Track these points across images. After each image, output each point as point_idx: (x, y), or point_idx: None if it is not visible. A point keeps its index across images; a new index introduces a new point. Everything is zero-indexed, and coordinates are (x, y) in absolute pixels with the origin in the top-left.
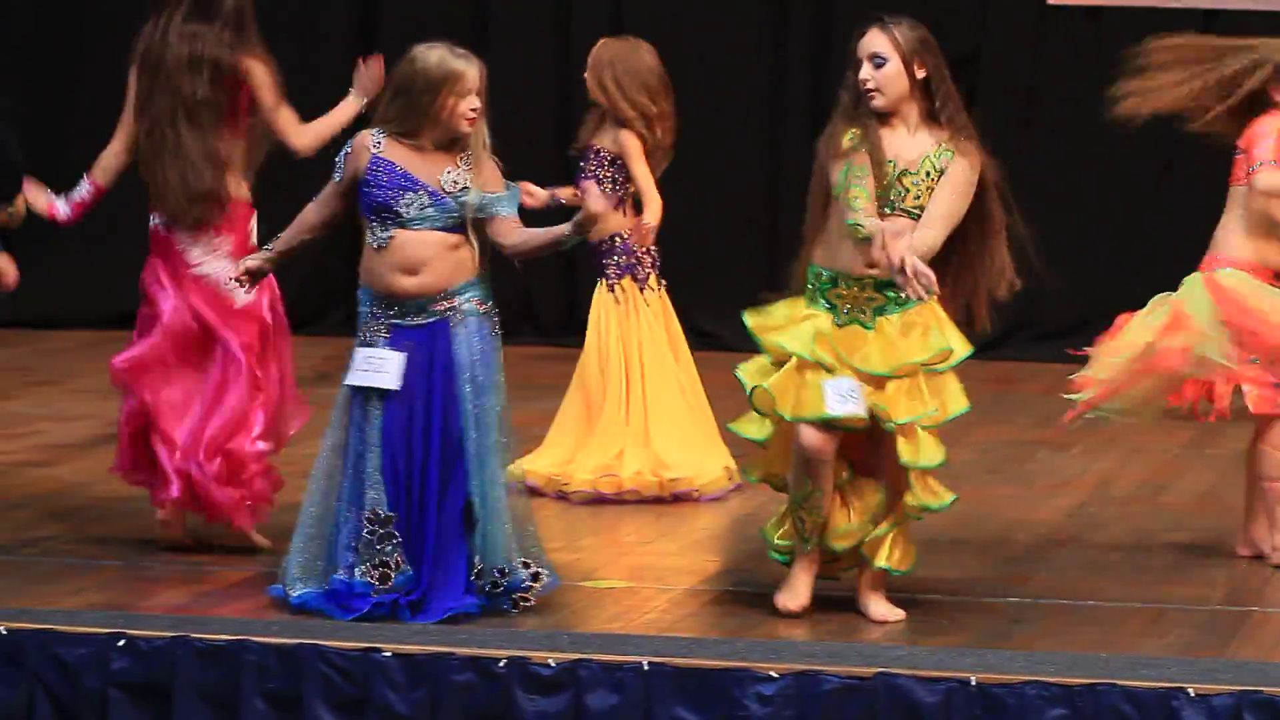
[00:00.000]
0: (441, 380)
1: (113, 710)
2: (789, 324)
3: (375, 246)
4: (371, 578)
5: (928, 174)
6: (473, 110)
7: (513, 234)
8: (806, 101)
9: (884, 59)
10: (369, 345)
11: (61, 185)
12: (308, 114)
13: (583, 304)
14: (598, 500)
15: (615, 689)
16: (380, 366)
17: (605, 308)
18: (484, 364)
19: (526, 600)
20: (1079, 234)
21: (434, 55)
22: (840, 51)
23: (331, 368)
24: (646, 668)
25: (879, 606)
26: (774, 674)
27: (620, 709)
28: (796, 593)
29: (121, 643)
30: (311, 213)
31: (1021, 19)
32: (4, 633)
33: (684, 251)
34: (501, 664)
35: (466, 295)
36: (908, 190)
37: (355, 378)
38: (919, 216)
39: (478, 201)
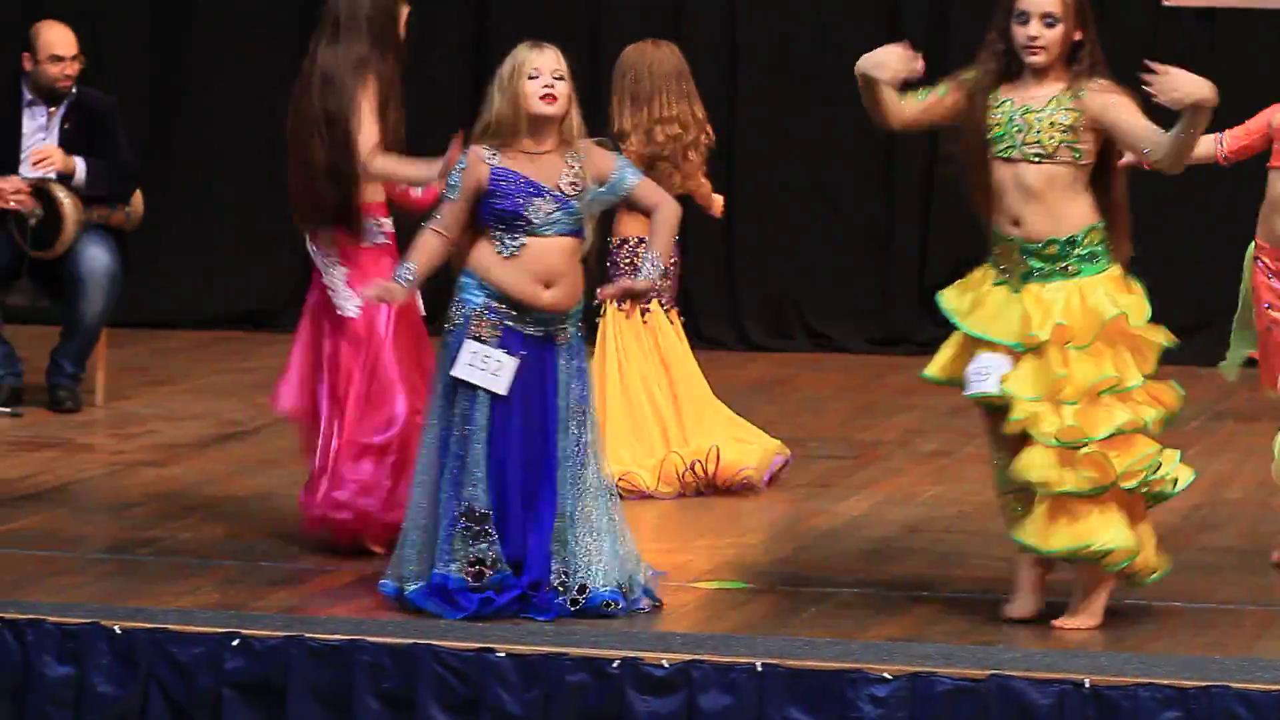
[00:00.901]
0: (547, 394)
1: (226, 709)
2: (972, 305)
3: (505, 255)
4: (467, 575)
5: (1051, 111)
6: (546, 88)
7: (654, 193)
8: None
9: (1055, 19)
10: (479, 340)
11: (173, 183)
12: (418, 118)
13: (699, 307)
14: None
15: (728, 690)
16: (493, 368)
17: (618, 323)
18: (580, 381)
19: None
20: (1194, 235)
21: (513, 50)
22: (956, 45)
23: None
24: (760, 668)
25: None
26: (887, 675)
27: (733, 710)
28: (1021, 600)
29: (236, 642)
30: (435, 240)
31: (1136, 21)
32: (119, 632)
33: (795, 254)
34: (615, 664)
35: (575, 318)
36: (1030, 127)
37: (464, 371)
38: (1037, 159)
39: (599, 196)
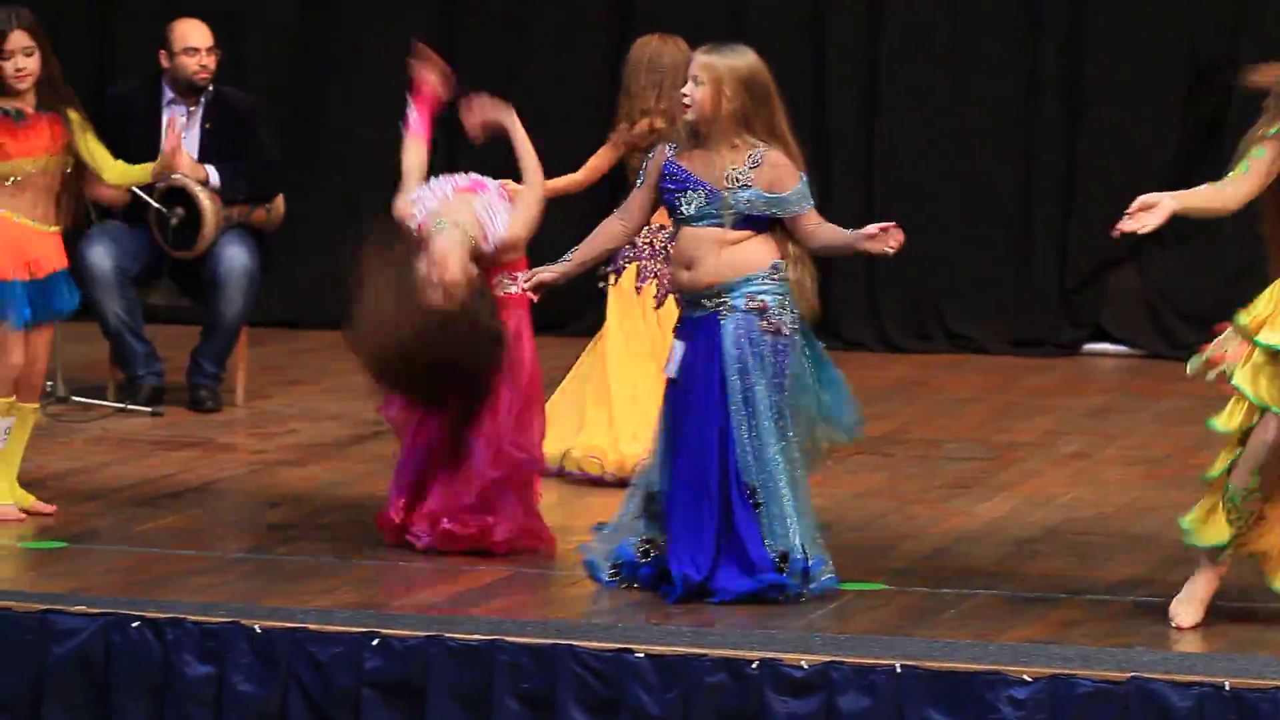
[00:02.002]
0: (714, 372)
1: (366, 709)
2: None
3: (672, 242)
4: (637, 550)
5: None
6: (682, 97)
7: (812, 234)
8: (1059, 103)
9: None
10: (676, 336)
11: (314, 183)
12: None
13: (840, 309)
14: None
15: (867, 691)
16: (672, 356)
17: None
18: (755, 356)
19: (800, 593)
20: None
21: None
22: (1095, 47)
23: None
24: (899, 670)
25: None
26: (1027, 678)
27: (872, 711)
28: (1191, 608)
29: (375, 642)
30: (615, 223)
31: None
32: (259, 632)
33: (935, 255)
34: (754, 665)
35: (739, 291)
36: None
37: (666, 369)
38: None
39: (760, 200)
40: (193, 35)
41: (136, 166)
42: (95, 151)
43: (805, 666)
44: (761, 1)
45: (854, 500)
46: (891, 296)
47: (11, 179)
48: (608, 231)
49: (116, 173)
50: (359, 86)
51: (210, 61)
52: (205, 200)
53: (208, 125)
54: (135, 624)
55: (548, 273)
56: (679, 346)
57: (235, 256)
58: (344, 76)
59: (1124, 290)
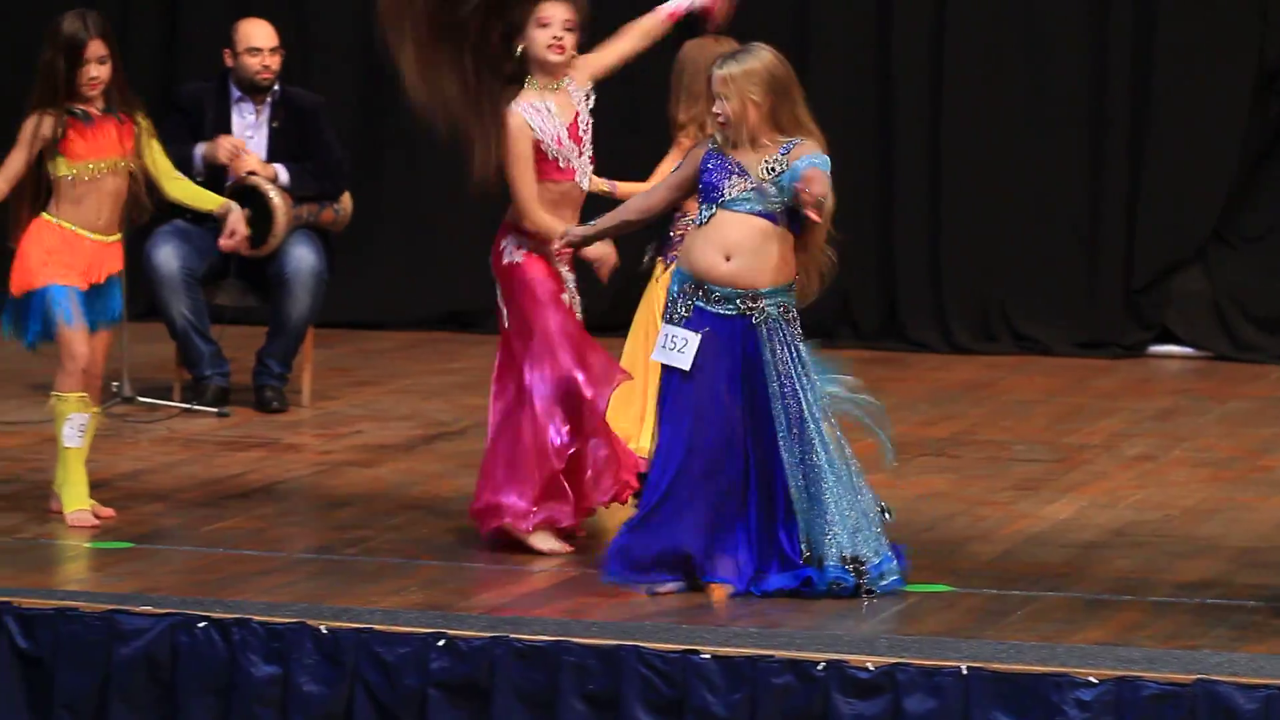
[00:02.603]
0: (748, 377)
1: (431, 709)
2: None
3: (698, 224)
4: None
5: None
6: (715, 110)
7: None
8: (1126, 104)
9: None
10: (671, 323)
11: (381, 184)
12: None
13: (906, 311)
14: None
15: (933, 693)
16: (679, 346)
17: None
18: (796, 363)
19: (870, 593)
20: None
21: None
22: (1162, 48)
23: None
24: (965, 672)
25: None
26: (1093, 679)
27: (938, 713)
28: None
29: (441, 642)
30: (639, 199)
31: None
32: (325, 632)
33: (1000, 256)
34: (820, 667)
35: (774, 300)
36: None
37: (657, 354)
38: None
39: (780, 179)
40: (256, 35)
41: (198, 190)
42: (159, 162)
43: (871, 668)
44: (825, 1)
45: (920, 502)
46: (958, 298)
47: (76, 181)
48: (632, 206)
49: (177, 188)
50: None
51: (273, 62)
52: (276, 199)
53: (275, 124)
54: (201, 624)
55: (578, 231)
56: (691, 338)
57: (302, 257)
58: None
59: (1190, 292)
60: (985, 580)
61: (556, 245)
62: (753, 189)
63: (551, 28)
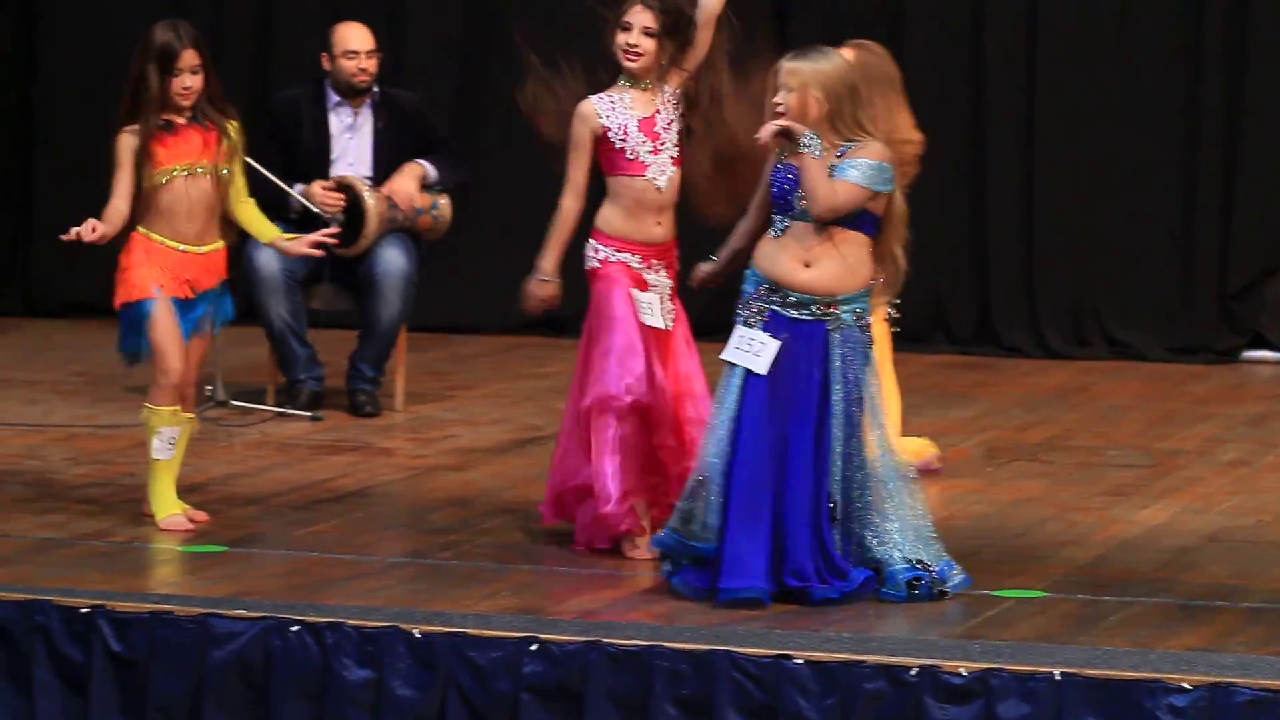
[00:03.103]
0: (814, 381)
1: (524, 713)
2: None
3: (773, 235)
4: (677, 529)
5: None
6: (775, 104)
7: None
8: (1221, 108)
9: None
10: (747, 325)
11: (475, 188)
12: None
13: (999, 316)
14: None
15: (1026, 699)
16: (756, 350)
17: None
18: (857, 373)
19: (943, 593)
20: None
21: None
22: (1256, 53)
23: None
24: (1058, 677)
25: None
26: (1186, 685)
27: (1031, 719)
28: None
29: (534, 647)
30: (742, 224)
31: None
32: (418, 636)
33: (1094, 260)
34: (913, 672)
35: (850, 306)
36: None
37: (731, 354)
38: None
39: (847, 165)
40: (353, 39)
41: (261, 218)
42: (236, 178)
43: (964, 673)
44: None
45: (1014, 507)
46: (1051, 303)
47: (160, 190)
48: (740, 232)
49: (243, 211)
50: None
51: (370, 65)
52: (369, 198)
53: (380, 125)
54: (295, 628)
55: (706, 267)
56: (770, 342)
57: (392, 259)
58: (506, 84)
59: None
60: (1078, 585)
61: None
62: None
63: (630, 33)
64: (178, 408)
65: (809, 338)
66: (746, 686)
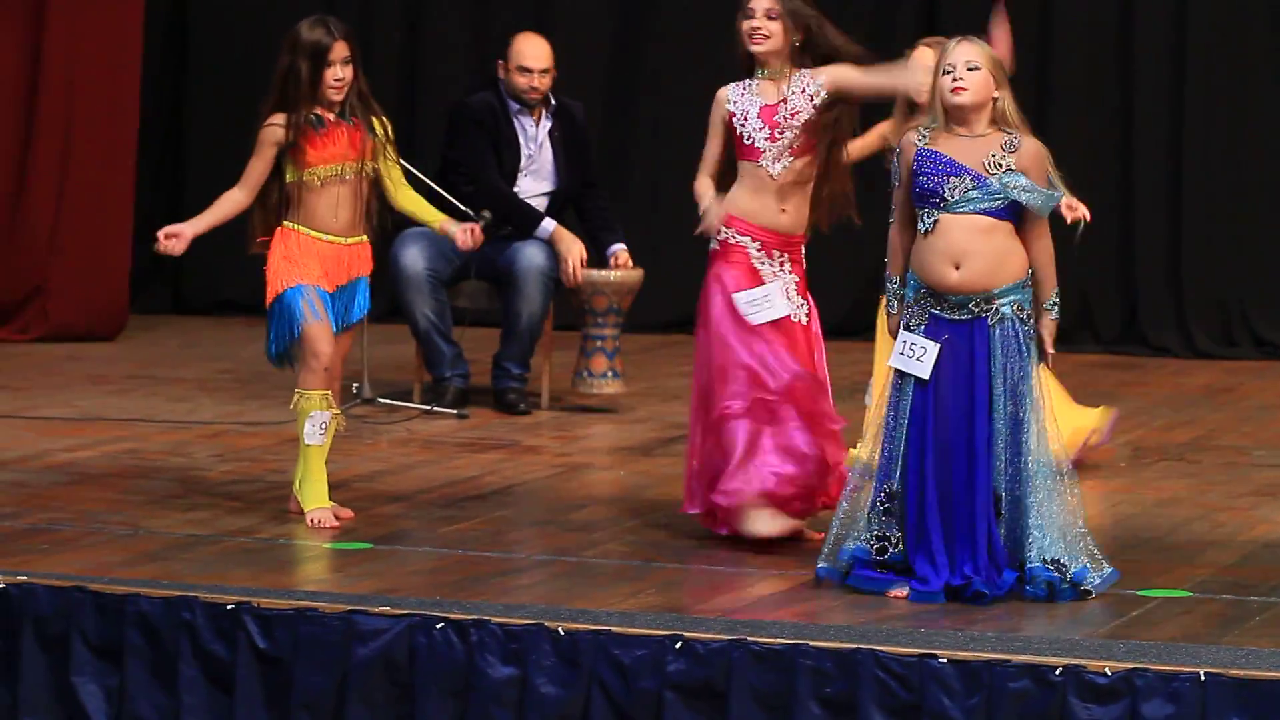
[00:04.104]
0: (977, 378)
1: (667, 711)
2: None
3: (923, 233)
4: (871, 546)
5: None
6: (955, 81)
7: (1035, 242)
8: None
9: None
10: (909, 330)
11: (625, 187)
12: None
13: (1146, 316)
14: None
15: (1171, 699)
16: (918, 354)
17: None
18: (1019, 367)
19: (1087, 592)
20: None
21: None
22: None
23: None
24: (1203, 678)
25: None
26: None
27: (1175, 719)
28: None
29: (678, 645)
30: (895, 233)
31: None
32: (562, 634)
33: (1242, 260)
34: (1057, 672)
35: (1008, 299)
36: None
37: (895, 360)
38: None
39: (1025, 186)
40: (528, 55)
41: (425, 204)
42: (392, 172)
43: (1109, 673)
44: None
45: (1159, 507)
46: (1198, 303)
47: (308, 187)
48: (895, 244)
49: (406, 198)
50: (673, 95)
51: (543, 84)
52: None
53: (556, 134)
54: (439, 625)
55: (892, 319)
56: (931, 346)
57: (532, 256)
58: (655, 84)
59: None
60: (1224, 586)
61: (705, 219)
62: (976, 187)
63: (753, 18)
64: (329, 392)
65: (969, 335)
66: (891, 685)
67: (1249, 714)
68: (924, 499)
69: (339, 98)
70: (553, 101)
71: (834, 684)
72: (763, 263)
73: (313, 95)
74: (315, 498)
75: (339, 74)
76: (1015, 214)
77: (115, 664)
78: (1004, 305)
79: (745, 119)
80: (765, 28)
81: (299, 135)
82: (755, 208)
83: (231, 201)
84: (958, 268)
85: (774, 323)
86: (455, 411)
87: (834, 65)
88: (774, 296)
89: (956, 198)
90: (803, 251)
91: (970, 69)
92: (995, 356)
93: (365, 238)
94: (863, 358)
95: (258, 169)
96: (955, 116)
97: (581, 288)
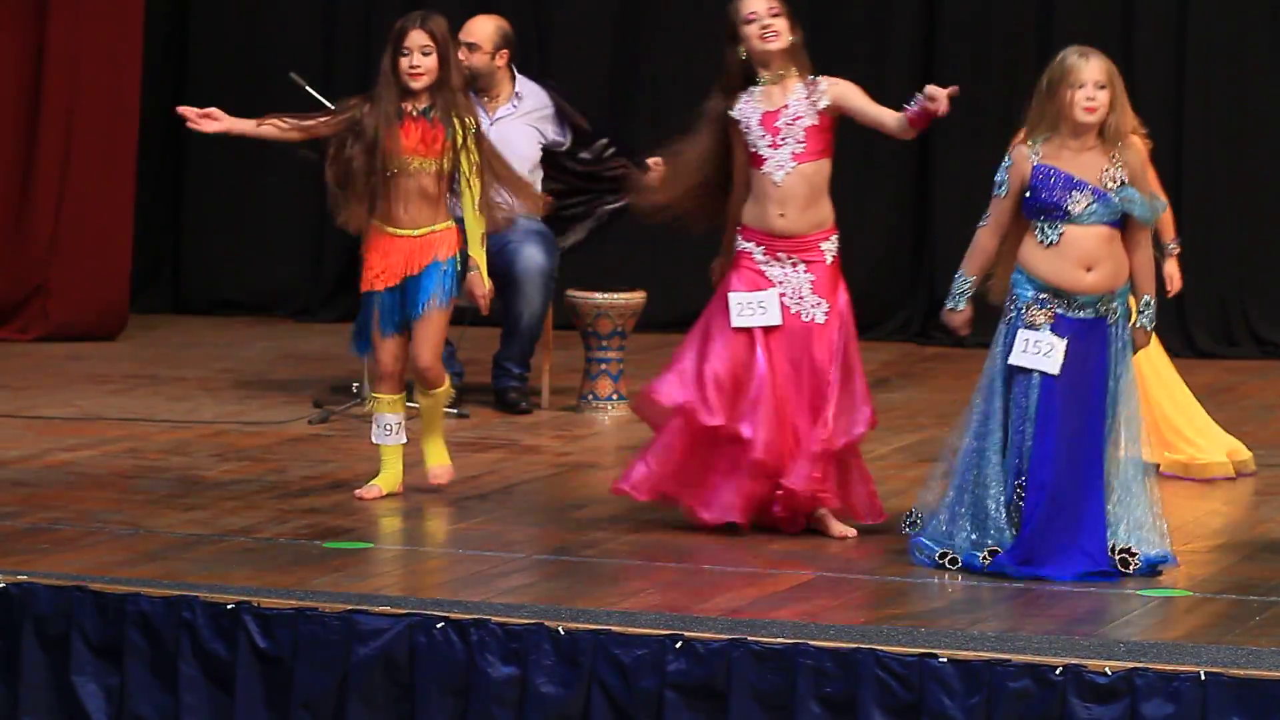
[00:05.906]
0: (1094, 372)
1: (668, 711)
2: None
3: (1045, 244)
4: (983, 562)
5: None
6: (1089, 100)
7: (1136, 248)
8: None
9: None
10: (1031, 328)
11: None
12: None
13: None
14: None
15: (1171, 698)
16: (1046, 350)
17: None
18: (1124, 361)
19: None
20: None
21: (1061, 54)
22: None
23: (890, 373)
24: (1203, 677)
25: None
26: None
27: (1176, 718)
28: None
29: (678, 644)
30: (988, 237)
31: None
32: (562, 633)
33: (1241, 260)
34: (1058, 671)
35: (1123, 299)
36: None
37: (1020, 359)
38: None
39: (1139, 200)
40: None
41: (477, 236)
42: (472, 179)
43: (1109, 673)
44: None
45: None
46: (1199, 303)
47: (383, 177)
48: (982, 246)
49: (469, 213)
50: (671, 94)
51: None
52: None
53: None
54: (439, 625)
55: (955, 315)
56: (1058, 343)
57: (531, 256)
58: (655, 65)
59: None
60: (1224, 585)
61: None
62: (1096, 200)
63: (758, 20)
64: (398, 396)
65: (1092, 332)
66: (891, 685)
67: (1249, 714)
68: (1059, 491)
69: (416, 86)
70: (516, 86)
71: (834, 684)
72: (769, 265)
73: (394, 82)
74: (389, 483)
75: (415, 62)
76: (1124, 221)
77: (115, 663)
78: (1120, 304)
79: (748, 126)
80: (774, 25)
81: (378, 125)
82: (756, 213)
83: (273, 125)
84: (1089, 270)
85: (772, 328)
86: (455, 411)
87: (846, 83)
88: (769, 304)
89: (1079, 211)
90: (826, 249)
91: (1100, 88)
92: (1114, 351)
93: (441, 225)
94: (865, 353)
95: (319, 121)
96: (1076, 131)
97: (584, 312)
